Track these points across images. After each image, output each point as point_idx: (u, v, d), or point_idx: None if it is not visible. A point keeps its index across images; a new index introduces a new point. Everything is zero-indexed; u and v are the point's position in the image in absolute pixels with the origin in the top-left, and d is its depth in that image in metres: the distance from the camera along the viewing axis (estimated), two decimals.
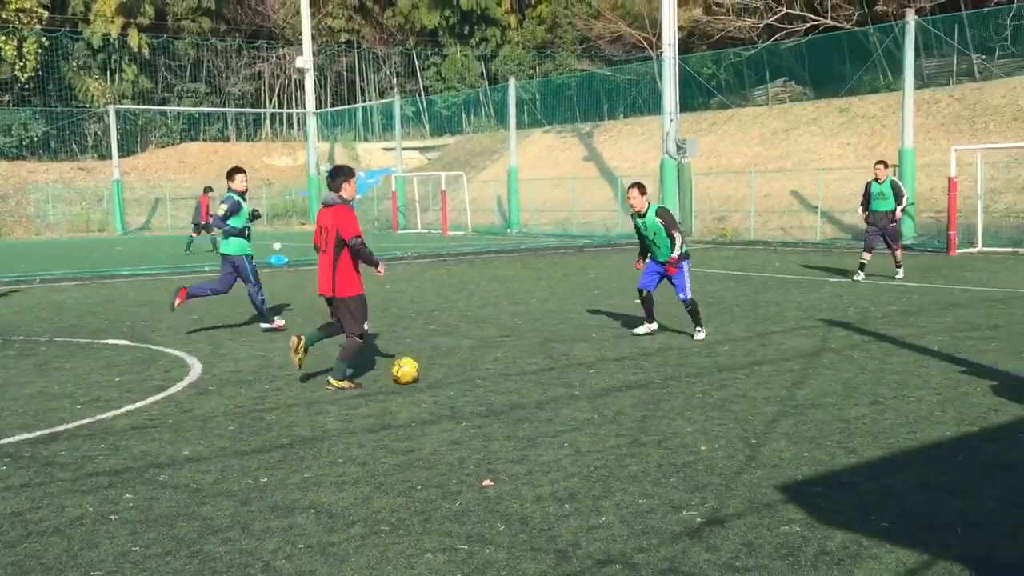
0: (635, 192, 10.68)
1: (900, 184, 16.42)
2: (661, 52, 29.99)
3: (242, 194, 11.67)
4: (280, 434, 6.80)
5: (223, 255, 11.82)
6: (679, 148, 28.81)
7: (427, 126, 55.56)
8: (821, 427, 6.65)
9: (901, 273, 16.39)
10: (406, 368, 8.42)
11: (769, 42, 35.43)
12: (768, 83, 38.44)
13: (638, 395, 7.83)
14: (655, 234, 10.60)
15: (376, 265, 8.38)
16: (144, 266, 21.05)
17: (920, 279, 16.23)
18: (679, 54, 30.85)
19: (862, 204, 16.41)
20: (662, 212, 10.55)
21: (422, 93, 57.05)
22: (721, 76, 39.83)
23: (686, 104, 37.13)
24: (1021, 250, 21.27)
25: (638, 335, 10.94)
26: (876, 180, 16.10)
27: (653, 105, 37.60)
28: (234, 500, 5.33)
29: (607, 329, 11.52)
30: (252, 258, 11.87)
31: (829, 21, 33.60)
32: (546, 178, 39.72)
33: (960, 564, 4.21)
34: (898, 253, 16.39)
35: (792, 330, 11.09)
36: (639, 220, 10.73)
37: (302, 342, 8.33)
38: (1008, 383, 7.90)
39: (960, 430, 6.49)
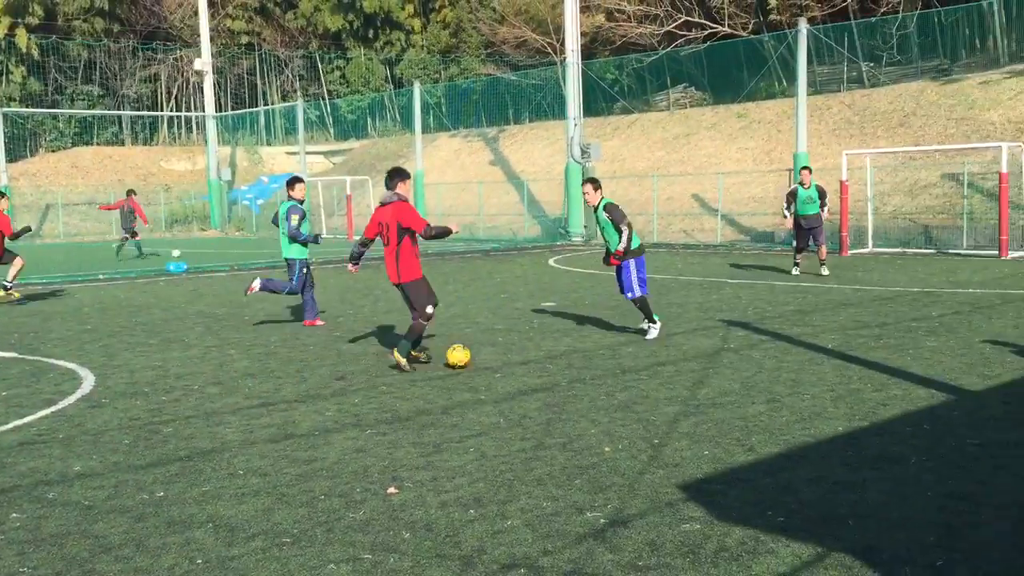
0: (588, 187, 10.89)
1: (823, 187, 17.36)
2: (565, 57, 30.32)
3: (300, 201, 12.22)
4: (178, 447, 6.61)
5: (287, 259, 12.37)
6: (583, 152, 29.16)
7: (331, 130, 54.91)
8: (721, 425, 6.81)
9: (826, 270, 17.27)
10: (459, 353, 9.14)
11: (669, 49, 36.18)
12: (669, 89, 39.24)
13: (543, 398, 7.88)
14: (603, 228, 10.79)
15: (449, 231, 9.59)
16: (34, 275, 20.22)
17: (815, 279, 16.77)
18: (582, 60, 31.25)
19: (787, 207, 17.19)
20: (609, 207, 10.69)
21: (326, 97, 56.36)
22: (624, 82, 40.47)
23: (590, 109, 37.61)
24: (908, 250, 22.20)
25: (648, 339, 10.66)
26: (802, 185, 16.98)
27: (558, 110, 37.98)
28: (128, 516, 5.15)
29: (513, 333, 11.56)
30: (307, 263, 12.50)
31: (726, 29, 34.50)
32: (452, 182, 39.69)
33: (851, 555, 4.36)
34: (823, 251, 17.28)
35: (693, 331, 11.32)
36: (593, 214, 10.89)
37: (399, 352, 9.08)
38: (896, 379, 8.22)
39: (851, 425, 6.72)
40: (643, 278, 10.84)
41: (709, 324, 11.80)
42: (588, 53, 38.18)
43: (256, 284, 12.25)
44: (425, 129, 43.48)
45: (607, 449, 6.27)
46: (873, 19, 31.40)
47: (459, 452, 6.28)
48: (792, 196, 17.12)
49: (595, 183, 10.87)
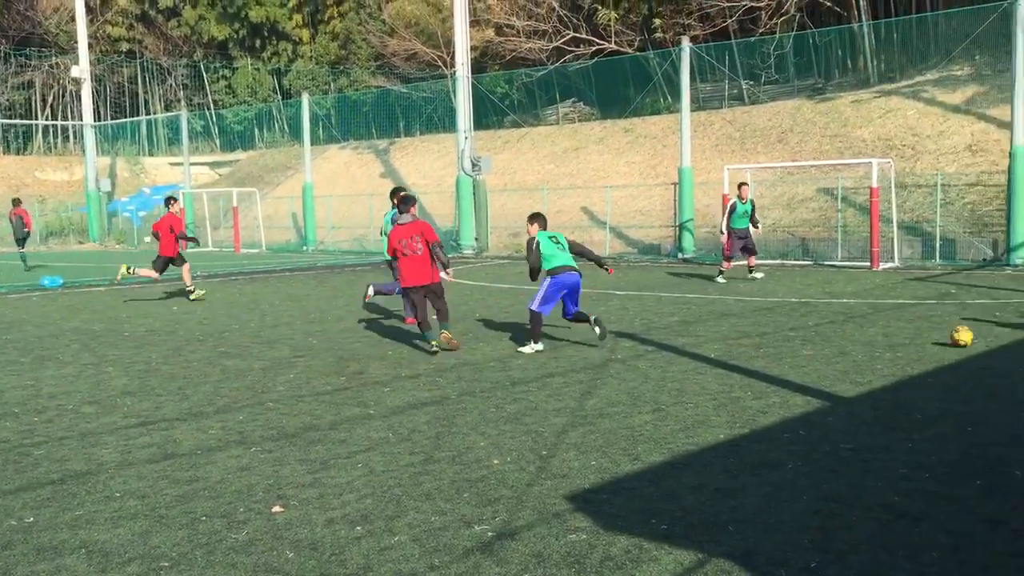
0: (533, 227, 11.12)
1: (754, 201, 18.81)
2: (455, 71, 30.41)
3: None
4: (49, 469, 6.31)
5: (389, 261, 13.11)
6: (474, 165, 29.27)
7: (217, 141, 53.59)
8: (608, 435, 6.91)
9: (760, 274, 18.81)
10: (965, 335, 10.16)
11: (558, 64, 36.69)
12: (558, 103, 39.79)
13: (433, 412, 7.85)
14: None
15: (447, 266, 11.19)
16: None
17: (699, 290, 17.23)
18: (473, 73, 31.40)
19: (725, 222, 18.40)
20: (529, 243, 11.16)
21: (211, 107, 54.96)
22: (514, 96, 40.83)
23: (481, 122, 37.80)
24: (787, 262, 23.03)
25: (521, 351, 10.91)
26: (740, 200, 18.20)
27: (449, 122, 38.04)
28: None
29: (404, 347, 11.49)
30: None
31: (613, 46, 35.22)
32: (343, 194, 39.24)
33: (730, 560, 4.48)
34: (753, 260, 18.81)
35: (582, 342, 11.47)
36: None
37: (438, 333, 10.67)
38: (774, 387, 8.51)
39: (732, 432, 6.93)
40: (549, 298, 10.88)
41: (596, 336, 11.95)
42: (478, 67, 38.39)
43: (371, 291, 13.24)
44: (314, 141, 42.88)
45: (496, 461, 6.29)
46: (752, 39, 32.58)
47: (347, 468, 6.20)
48: (732, 210, 18.25)
49: (533, 219, 11.21)
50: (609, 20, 35.41)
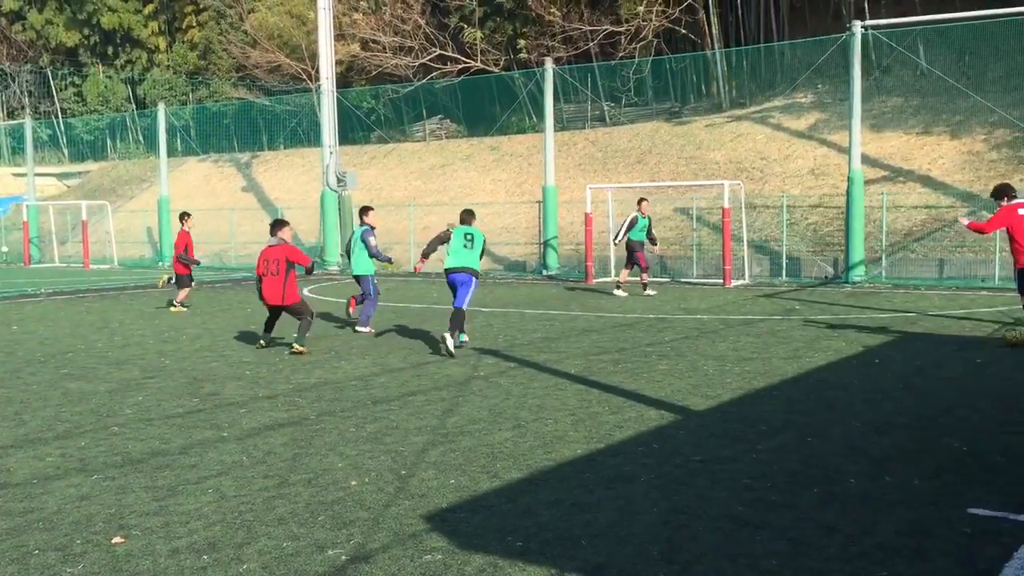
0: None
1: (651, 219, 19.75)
2: (320, 84, 30.01)
3: (372, 227, 14.46)
4: None
5: (359, 275, 14.49)
6: (340, 180, 28.91)
7: (65, 151, 51.03)
8: (467, 453, 6.93)
9: (652, 291, 19.73)
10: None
11: (425, 81, 36.72)
12: (425, 120, 39.79)
13: (291, 433, 7.69)
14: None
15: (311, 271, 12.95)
16: None
17: (562, 307, 17.52)
18: (338, 87, 31.06)
19: (622, 233, 19.20)
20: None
21: (59, 115, 52.35)
22: (380, 111, 40.59)
23: (347, 137, 37.40)
24: (647, 279, 23.68)
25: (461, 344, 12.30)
26: (641, 214, 19.09)
27: (314, 137, 37.46)
28: None
29: (263, 366, 11.21)
30: (375, 276, 14.67)
31: (479, 64, 35.51)
32: (202, 208, 38.00)
33: (583, 575, 4.56)
34: (646, 275, 19.83)
35: (445, 360, 11.47)
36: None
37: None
38: (631, 401, 8.74)
39: (589, 447, 7.06)
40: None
41: (461, 352, 12.00)
42: (344, 81, 37.99)
43: (365, 329, 14.07)
44: (172, 153, 41.44)
45: (353, 483, 6.20)
46: (612, 62, 33.48)
47: (196, 494, 5.99)
48: (632, 224, 19.03)
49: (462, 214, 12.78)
50: (475, 39, 35.71)
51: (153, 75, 51.27)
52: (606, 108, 34.73)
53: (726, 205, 21.51)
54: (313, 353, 12.16)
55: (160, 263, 33.90)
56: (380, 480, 6.27)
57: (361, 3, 39.08)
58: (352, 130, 39.16)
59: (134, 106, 50.98)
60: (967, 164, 24.29)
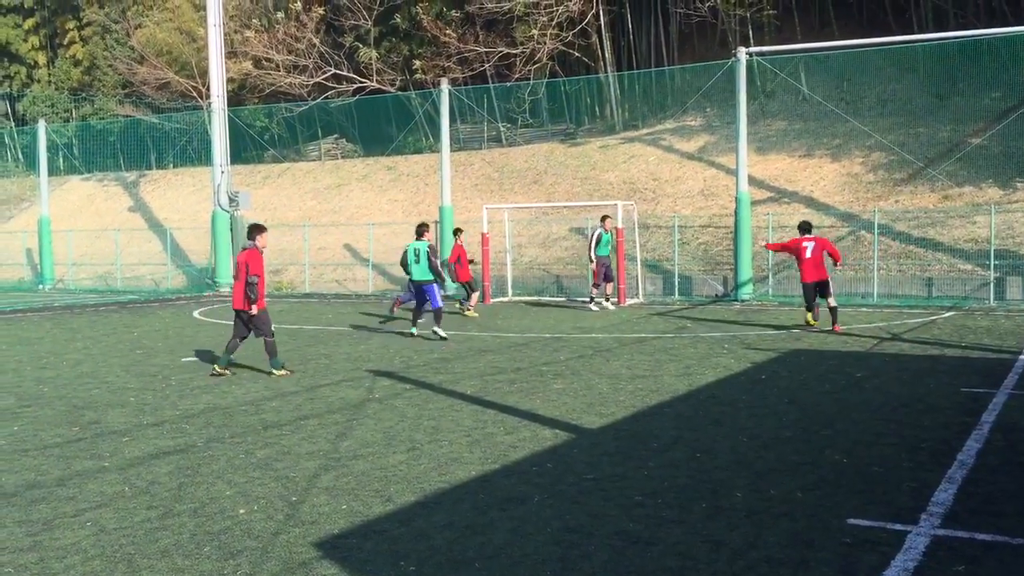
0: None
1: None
2: (211, 102, 29.36)
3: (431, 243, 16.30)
4: None
5: (422, 282, 15.74)
6: (231, 200, 28.30)
7: None
8: (360, 478, 6.83)
9: (612, 304, 20.81)
10: None
11: (320, 100, 36.35)
12: (320, 139, 39.35)
13: (176, 461, 7.44)
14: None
15: (252, 303, 11.89)
16: None
17: (457, 327, 17.50)
18: (230, 106, 30.45)
19: (592, 250, 19.90)
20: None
21: None
22: (274, 130, 39.96)
23: (239, 156, 36.66)
24: (543, 298, 23.92)
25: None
26: (604, 230, 19.96)
27: (205, 155, 36.57)
28: None
29: (148, 392, 10.83)
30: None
31: (375, 84, 35.36)
32: (86, 229, 36.66)
33: None
34: (610, 287, 20.82)
35: (340, 382, 11.32)
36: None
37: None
38: (526, 421, 8.78)
39: (483, 468, 7.06)
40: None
41: (356, 375, 11.87)
42: (236, 99, 37.27)
43: (440, 331, 15.59)
44: (54, 171, 39.90)
45: (242, 511, 6.04)
46: (508, 84, 33.82)
47: (74, 528, 5.73)
48: (598, 240, 19.83)
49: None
50: (370, 59, 35.56)
51: (33, 91, 49.31)
52: (502, 129, 35.01)
53: (619, 225, 21.91)
54: (201, 378, 11.82)
55: (41, 286, 32.47)
56: (270, 508, 6.12)
57: (253, 21, 38.49)
58: (245, 149, 38.42)
59: (12, 123, 48.90)
60: (847, 186, 25.38)
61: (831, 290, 16.03)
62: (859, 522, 5.63)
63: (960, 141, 25.23)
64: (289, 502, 6.24)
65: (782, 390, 10.20)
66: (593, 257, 19.96)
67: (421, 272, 15.67)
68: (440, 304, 15.67)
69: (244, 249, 12.19)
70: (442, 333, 15.40)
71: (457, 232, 20.81)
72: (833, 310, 15.91)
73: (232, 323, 12.49)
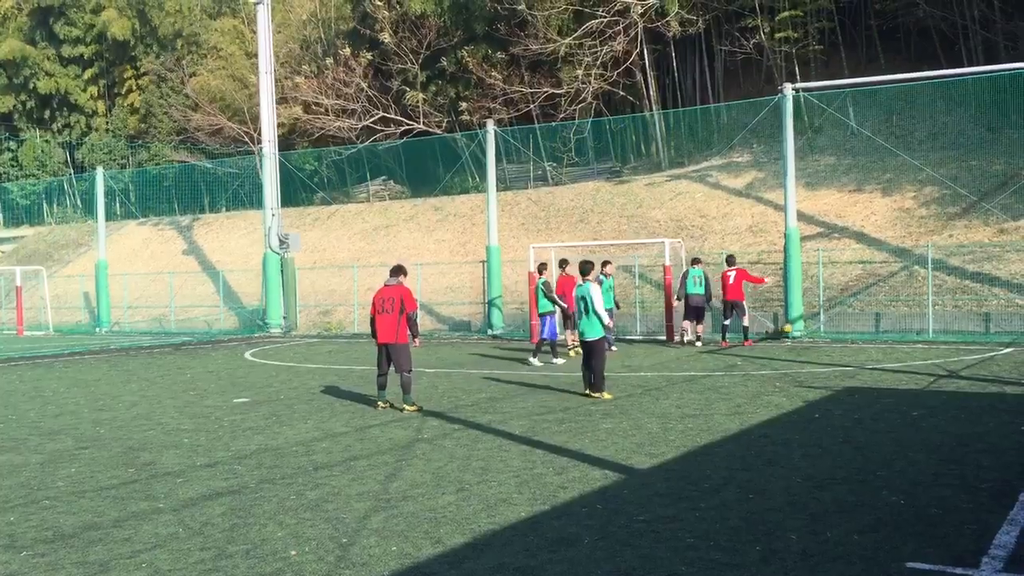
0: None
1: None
2: (262, 146, 29.99)
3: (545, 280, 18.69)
4: None
5: (544, 313, 18.02)
6: (282, 242, 28.77)
7: (1, 216, 50.07)
8: (410, 519, 6.84)
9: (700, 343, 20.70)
10: None
11: (368, 143, 36.93)
12: (369, 181, 39.91)
13: (229, 502, 7.52)
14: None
15: (416, 335, 12.50)
16: None
17: (506, 367, 17.51)
18: (280, 150, 31.07)
19: (680, 289, 20.64)
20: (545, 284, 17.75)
21: None
22: (323, 173, 40.65)
23: (289, 199, 37.31)
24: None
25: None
26: (605, 276, 19.53)
27: (256, 199, 37.31)
28: None
29: (201, 433, 10.98)
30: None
31: (422, 126, 35.87)
32: (141, 272, 37.49)
33: None
34: (701, 328, 21.00)
35: (389, 422, 11.37)
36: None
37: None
38: (575, 461, 8.72)
39: (533, 510, 7.02)
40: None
41: (405, 415, 11.91)
42: (286, 143, 38.03)
43: (559, 360, 17.74)
44: (111, 216, 40.94)
45: (293, 553, 6.08)
46: (554, 124, 34.07)
47: (129, 569, 5.81)
48: (684, 278, 20.47)
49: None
50: (417, 101, 36.10)
51: (91, 139, 50.80)
52: (548, 168, 35.21)
53: (667, 263, 21.82)
54: (253, 419, 11.96)
55: (98, 329, 33.18)
56: (320, 549, 6.15)
57: (303, 67, 39.34)
58: (295, 192, 39.10)
59: (71, 170, 50.38)
60: (898, 220, 25.04)
61: (744, 310, 20.17)
62: (918, 566, 5.49)
63: (1014, 174, 24.79)
64: (339, 544, 6.26)
65: (836, 429, 10.02)
66: (680, 296, 20.66)
67: (542, 305, 18.04)
68: (551, 335, 17.89)
69: (390, 286, 12.37)
70: (556, 361, 17.62)
71: (563, 264, 20.03)
72: (744, 329, 20.26)
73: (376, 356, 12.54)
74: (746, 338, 20.28)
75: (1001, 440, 9.18)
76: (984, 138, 27.01)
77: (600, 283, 18.88)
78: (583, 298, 12.89)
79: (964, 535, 6.07)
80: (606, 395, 12.83)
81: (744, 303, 20.25)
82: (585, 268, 13.26)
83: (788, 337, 21.04)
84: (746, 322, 20.32)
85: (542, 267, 18.98)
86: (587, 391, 13.03)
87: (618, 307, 20.02)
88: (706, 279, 20.68)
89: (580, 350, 13.65)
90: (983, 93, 27.41)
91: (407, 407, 12.20)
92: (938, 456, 8.53)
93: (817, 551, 5.81)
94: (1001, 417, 10.47)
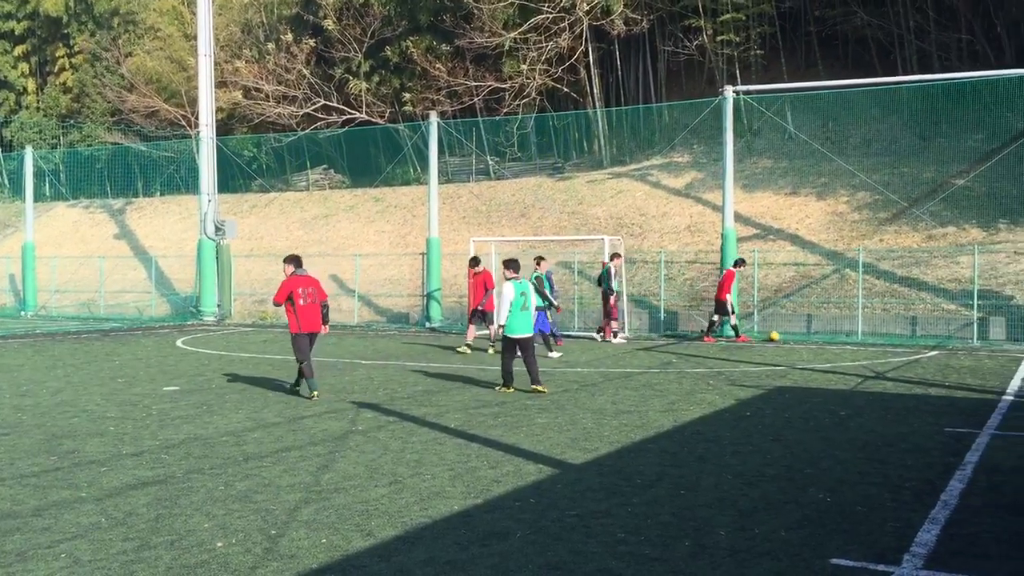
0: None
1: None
2: (199, 131, 29.40)
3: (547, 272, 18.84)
4: None
5: (539, 307, 16.49)
6: (218, 229, 28.25)
7: None
8: (341, 511, 6.76)
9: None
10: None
11: (309, 130, 36.46)
12: (309, 169, 39.42)
13: (154, 492, 7.35)
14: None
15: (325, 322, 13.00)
16: None
17: (444, 360, 17.44)
18: (218, 135, 30.49)
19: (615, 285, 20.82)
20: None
21: None
22: (263, 159, 40.02)
23: (226, 185, 36.66)
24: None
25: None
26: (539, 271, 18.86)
27: (192, 184, 36.58)
28: None
29: (128, 421, 10.72)
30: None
31: (364, 116, 35.52)
32: (70, 256, 36.49)
33: None
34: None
35: (323, 413, 11.23)
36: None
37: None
38: (509, 456, 8.72)
39: (466, 503, 6.99)
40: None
41: (340, 406, 11.79)
42: (225, 128, 37.35)
43: (554, 353, 17.70)
44: (40, 198, 39.82)
45: (220, 544, 5.96)
46: (497, 118, 34.03)
47: (48, 559, 5.64)
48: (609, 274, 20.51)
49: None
50: (360, 91, 35.74)
51: (21, 117, 49.29)
52: (490, 162, 35.17)
53: (607, 260, 21.96)
54: (183, 407, 11.72)
55: (23, 312, 32.22)
56: (248, 541, 6.04)
57: (244, 51, 38.67)
58: (232, 178, 38.44)
59: (0, 149, 48.82)
60: (832, 224, 25.56)
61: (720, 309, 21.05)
62: (842, 562, 5.59)
63: (944, 182, 25.49)
64: (268, 535, 6.16)
65: (766, 427, 10.18)
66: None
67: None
68: (544, 327, 17.81)
69: (305, 275, 12.83)
70: (551, 355, 17.48)
71: (475, 262, 19.83)
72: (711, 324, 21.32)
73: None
74: (707, 334, 21.33)
75: (925, 440, 9.42)
76: (916, 146, 27.72)
77: (541, 280, 18.60)
78: (522, 294, 12.86)
79: (887, 533, 6.20)
80: (509, 390, 13.00)
81: (724, 303, 20.94)
82: (512, 264, 13.19)
83: (774, 343, 20.82)
84: (715, 319, 21.29)
85: (475, 261, 19.25)
86: (532, 387, 12.97)
87: (557, 309, 19.19)
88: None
89: (499, 347, 13.93)
90: (916, 102, 28.12)
91: (314, 393, 12.50)
92: (864, 455, 8.72)
93: (745, 547, 5.89)
94: (925, 418, 10.75)
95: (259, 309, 29.81)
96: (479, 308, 19.24)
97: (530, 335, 13.04)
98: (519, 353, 13.05)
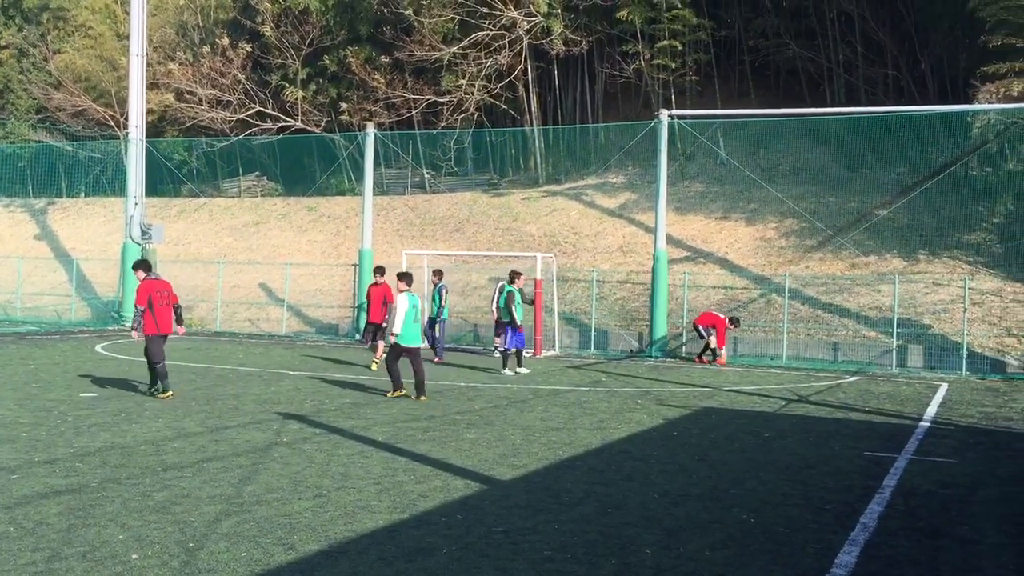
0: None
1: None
2: (128, 132, 28.72)
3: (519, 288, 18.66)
4: None
5: (507, 321, 17.92)
6: (144, 233, 27.58)
7: None
8: (263, 524, 6.61)
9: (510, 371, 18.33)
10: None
11: (242, 136, 35.91)
12: (241, 176, 38.78)
13: (67, 501, 7.09)
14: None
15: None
16: None
17: (372, 373, 17.25)
18: (148, 136, 29.81)
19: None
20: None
21: None
22: (193, 164, 39.26)
23: (154, 188, 35.83)
24: (460, 347, 23.79)
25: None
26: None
27: (119, 186, 35.69)
28: None
29: (41, 428, 10.34)
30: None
31: (300, 124, 35.13)
32: None
33: None
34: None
35: (247, 424, 11.00)
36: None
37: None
38: (437, 471, 8.64)
39: (392, 518, 6.90)
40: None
41: (265, 417, 11.56)
42: (155, 131, 36.53)
43: (522, 370, 17.66)
44: None
45: (135, 556, 5.77)
46: (434, 131, 33.97)
47: None
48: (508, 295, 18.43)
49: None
50: (296, 99, 35.35)
51: None
52: (426, 175, 35.08)
53: (539, 276, 22.03)
54: (99, 415, 11.36)
55: None
56: (164, 553, 5.86)
57: (178, 53, 37.98)
58: (161, 181, 37.59)
59: None
60: (760, 249, 26.07)
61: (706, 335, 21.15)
62: None
63: (867, 212, 26.22)
64: (186, 548, 5.98)
65: (693, 447, 10.28)
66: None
67: (504, 313, 18.21)
68: (519, 343, 18.01)
69: (160, 279, 13.41)
70: (519, 371, 17.63)
71: (379, 271, 19.15)
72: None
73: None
74: (716, 357, 21.05)
75: (845, 463, 9.61)
76: (842, 176, 28.48)
77: (513, 295, 18.21)
78: (414, 307, 13.61)
79: (808, 554, 6.30)
80: (400, 393, 13.65)
81: (698, 328, 21.17)
82: (406, 277, 13.98)
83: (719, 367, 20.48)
84: (712, 343, 20.98)
85: (379, 270, 18.89)
86: (418, 393, 13.57)
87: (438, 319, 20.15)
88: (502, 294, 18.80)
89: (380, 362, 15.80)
90: (843, 134, 28.92)
91: (169, 393, 13.00)
92: (787, 476, 8.86)
93: (670, 566, 5.91)
94: (846, 441, 10.98)
95: (185, 316, 29.09)
96: (381, 324, 18.20)
97: (419, 346, 13.75)
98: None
